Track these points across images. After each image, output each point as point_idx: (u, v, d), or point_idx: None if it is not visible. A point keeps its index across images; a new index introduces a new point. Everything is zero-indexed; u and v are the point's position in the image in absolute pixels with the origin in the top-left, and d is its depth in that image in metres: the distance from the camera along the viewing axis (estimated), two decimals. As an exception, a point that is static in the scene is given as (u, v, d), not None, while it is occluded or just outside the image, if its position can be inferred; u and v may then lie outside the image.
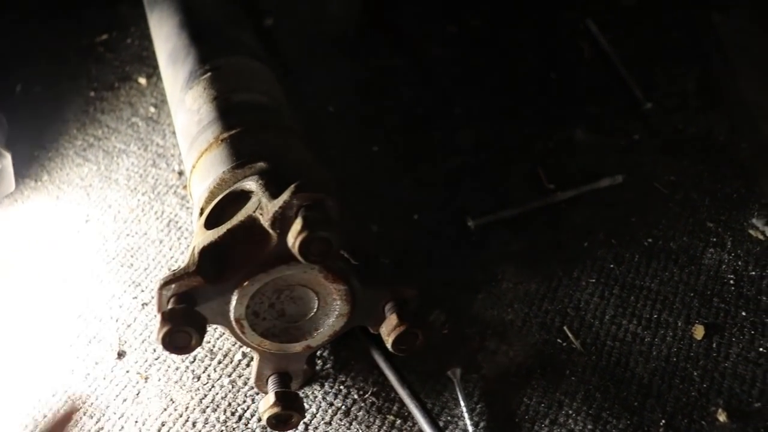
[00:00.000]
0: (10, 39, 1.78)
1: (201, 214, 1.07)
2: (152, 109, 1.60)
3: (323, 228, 0.88)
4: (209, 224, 1.00)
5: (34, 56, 1.76)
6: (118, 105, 1.62)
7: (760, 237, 1.29)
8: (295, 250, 0.88)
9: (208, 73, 1.24)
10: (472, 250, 1.30)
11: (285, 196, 0.91)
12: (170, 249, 1.34)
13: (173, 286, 0.94)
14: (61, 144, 1.55)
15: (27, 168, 1.51)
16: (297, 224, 0.88)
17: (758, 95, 1.52)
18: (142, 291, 1.29)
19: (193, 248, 0.96)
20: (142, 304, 1.27)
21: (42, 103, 1.65)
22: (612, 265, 1.26)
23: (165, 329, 0.91)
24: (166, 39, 1.40)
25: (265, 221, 0.92)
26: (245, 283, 0.96)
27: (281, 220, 0.91)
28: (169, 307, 0.94)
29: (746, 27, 1.64)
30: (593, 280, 1.24)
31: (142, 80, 1.67)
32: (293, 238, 0.88)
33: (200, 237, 0.97)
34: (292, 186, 0.91)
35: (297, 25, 1.76)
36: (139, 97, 1.63)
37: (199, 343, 0.94)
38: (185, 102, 1.24)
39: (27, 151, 1.54)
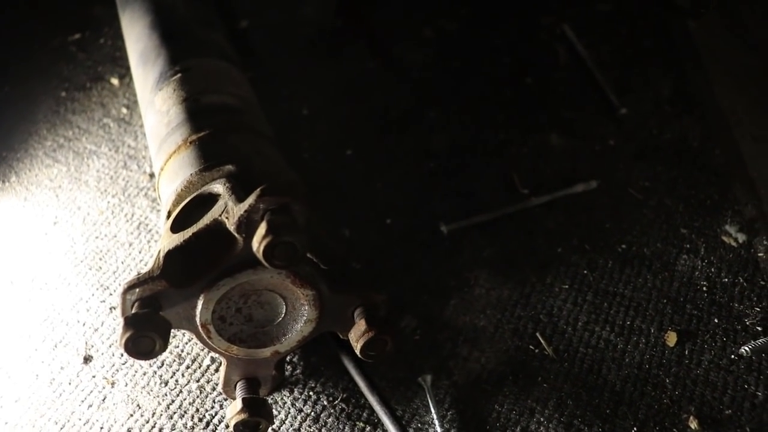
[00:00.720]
0: (-20, 38, 1.77)
1: (168, 216, 1.06)
2: (124, 110, 1.58)
3: (288, 232, 0.86)
4: (176, 227, 0.98)
5: (4, 55, 1.74)
6: (90, 106, 1.60)
7: (733, 243, 1.29)
8: (260, 255, 0.86)
9: (178, 75, 1.22)
10: (445, 255, 1.28)
11: (250, 199, 0.89)
12: (140, 252, 1.32)
13: (137, 290, 0.93)
14: (31, 144, 1.53)
15: (-6, 169, 1.50)
16: (262, 228, 0.87)
17: (732, 101, 1.52)
18: (111, 294, 1.26)
19: (159, 252, 0.94)
20: (110, 308, 1.25)
21: (11, 103, 1.62)
22: (585, 271, 1.25)
23: (128, 334, 0.89)
24: (137, 39, 1.38)
25: (230, 225, 0.91)
26: (211, 288, 0.94)
27: (247, 224, 0.90)
28: (133, 311, 0.92)
29: (721, 34, 1.64)
30: (566, 286, 1.23)
31: (115, 81, 1.65)
32: (258, 242, 0.86)
33: (166, 240, 0.96)
34: (258, 189, 0.90)
35: (272, 27, 1.75)
36: (111, 98, 1.61)
37: (164, 348, 0.92)
38: (155, 103, 1.22)
39: (-5, 151, 1.53)
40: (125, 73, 1.65)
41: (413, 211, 1.35)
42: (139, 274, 0.94)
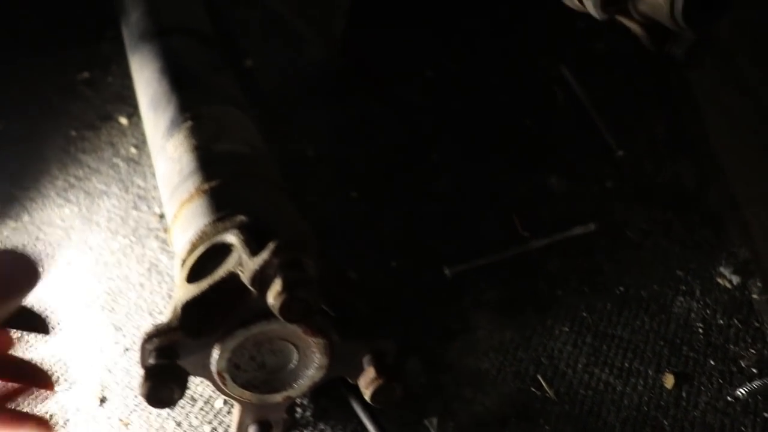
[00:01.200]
0: (-8, 76, 1.81)
1: (182, 265, 1.09)
2: (133, 150, 1.61)
3: (302, 289, 0.90)
4: (191, 277, 1.02)
5: (15, 94, 1.77)
6: (100, 145, 1.64)
7: (728, 285, 1.33)
8: (276, 311, 0.90)
9: (189, 122, 1.26)
10: (449, 298, 1.32)
11: (265, 255, 0.93)
12: (151, 293, 1.35)
13: (156, 340, 0.96)
14: (42, 184, 1.57)
15: (7, 208, 1.52)
16: (277, 285, 0.91)
17: (725, 143, 1.56)
18: (124, 336, 1.30)
19: (176, 303, 0.98)
20: (124, 349, 1.28)
21: (23, 142, 1.66)
22: (585, 314, 1.29)
23: (148, 384, 0.92)
24: (147, 84, 1.42)
25: (245, 279, 0.94)
26: (226, 338, 0.98)
27: (261, 279, 0.93)
28: (152, 361, 0.95)
29: (714, 75, 1.68)
30: (566, 329, 1.27)
31: (124, 120, 1.68)
32: (273, 299, 0.90)
33: (182, 291, 0.99)
34: (272, 245, 0.94)
35: (276, 67, 1.79)
36: (120, 137, 1.65)
37: (181, 396, 0.96)
38: (167, 149, 1.25)
39: (7, 190, 1.55)
40: (133, 112, 1.69)
41: (417, 254, 1.38)
42: (156, 324, 0.97)
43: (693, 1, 1.07)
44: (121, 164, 1.59)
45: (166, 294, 1.35)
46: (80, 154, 1.62)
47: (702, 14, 1.10)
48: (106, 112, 1.71)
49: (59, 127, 1.69)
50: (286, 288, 0.89)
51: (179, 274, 1.06)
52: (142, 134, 1.62)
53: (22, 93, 1.78)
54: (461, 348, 1.25)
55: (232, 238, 1.03)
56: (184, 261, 1.09)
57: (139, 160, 1.59)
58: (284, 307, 0.89)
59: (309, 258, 0.95)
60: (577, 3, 1.11)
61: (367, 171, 1.54)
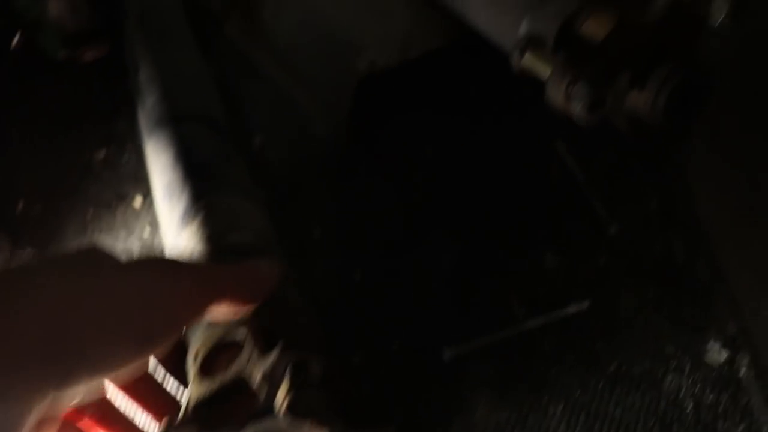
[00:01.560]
0: (13, 155, 1.89)
1: (195, 357, 1.16)
2: (148, 229, 1.69)
3: (309, 388, 0.97)
4: (203, 371, 1.09)
5: (34, 173, 1.86)
6: (115, 224, 1.71)
7: (717, 361, 1.38)
8: (283, 409, 0.97)
9: (202, 212, 1.33)
10: (448, 379, 1.38)
11: (274, 355, 1.00)
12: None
13: (171, 433, 1.03)
14: (61, 263, 1.64)
15: (28, 288, 1.59)
16: (285, 385, 0.97)
17: (714, 214, 1.62)
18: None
19: (189, 399, 1.05)
20: (138, 430, 1.34)
21: (42, 222, 1.74)
22: (578, 393, 1.35)
23: (165, 477, 0.99)
24: (161, 171, 1.50)
25: (255, 378, 1.01)
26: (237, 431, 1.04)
27: (270, 377, 1.00)
28: (167, 454, 1.02)
29: (701, 145, 1.74)
30: (561, 407, 1.33)
31: (138, 199, 1.76)
32: (281, 397, 0.97)
33: (195, 387, 1.06)
34: (280, 344, 1.01)
35: (283, 145, 1.87)
36: (135, 217, 1.73)
37: (196, 486, 1.02)
38: (182, 238, 1.33)
39: (27, 269, 1.63)
40: (147, 192, 1.77)
41: (418, 335, 1.45)
42: (170, 419, 1.03)
43: (673, 103, 1.14)
44: (136, 243, 1.66)
45: (187, 399, 1.41)
46: (97, 233, 1.70)
47: (683, 111, 1.17)
48: (122, 192, 1.79)
49: (77, 206, 1.77)
50: (292, 387, 0.96)
51: (192, 367, 1.13)
52: (155, 215, 1.70)
53: (41, 172, 1.86)
54: (459, 428, 1.31)
55: (242, 333, 1.10)
56: (197, 353, 1.16)
57: (153, 241, 1.66)
58: (291, 406, 0.96)
59: (314, 355, 1.01)
60: (563, 105, 1.18)
61: (371, 251, 1.61)
